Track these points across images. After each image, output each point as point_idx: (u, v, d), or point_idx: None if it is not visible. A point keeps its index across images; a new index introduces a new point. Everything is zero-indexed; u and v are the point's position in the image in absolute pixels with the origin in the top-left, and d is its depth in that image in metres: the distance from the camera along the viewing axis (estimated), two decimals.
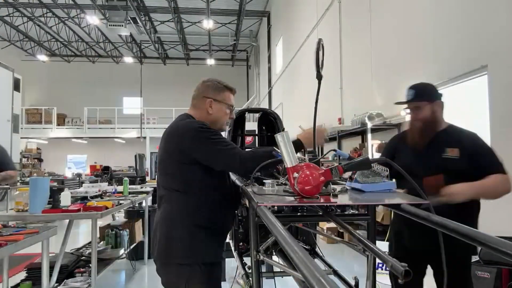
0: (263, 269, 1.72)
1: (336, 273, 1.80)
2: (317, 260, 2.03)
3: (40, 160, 20.54)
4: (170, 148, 1.79)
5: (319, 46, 1.38)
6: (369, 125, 5.43)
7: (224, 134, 2.78)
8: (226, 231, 1.92)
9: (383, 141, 4.78)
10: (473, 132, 2.02)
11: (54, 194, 3.28)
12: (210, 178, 1.76)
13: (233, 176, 1.98)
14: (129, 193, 4.63)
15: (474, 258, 2.98)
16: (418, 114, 2.00)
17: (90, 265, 3.34)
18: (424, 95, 1.99)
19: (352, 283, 1.66)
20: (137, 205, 5.39)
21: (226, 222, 1.88)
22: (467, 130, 2.05)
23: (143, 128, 18.50)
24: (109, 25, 13.74)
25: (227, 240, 2.08)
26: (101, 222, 4.76)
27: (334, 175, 1.29)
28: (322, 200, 1.25)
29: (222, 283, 4.77)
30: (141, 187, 5.43)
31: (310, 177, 1.23)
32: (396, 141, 2.27)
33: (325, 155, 1.77)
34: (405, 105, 2.05)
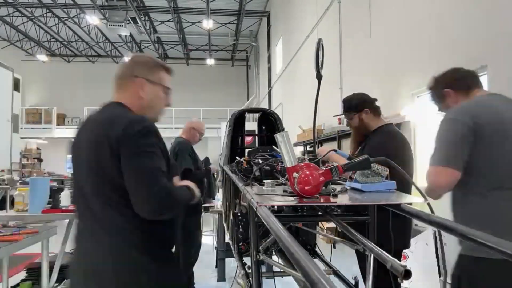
0: (263, 269, 1.72)
1: (336, 273, 1.80)
2: (317, 260, 2.03)
3: (40, 160, 20.51)
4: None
5: (319, 46, 1.38)
6: None
7: (224, 134, 2.75)
8: None
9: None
10: (390, 135, 2.33)
11: (54, 194, 3.29)
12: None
13: (233, 176, 1.97)
14: None
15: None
16: (350, 123, 2.45)
17: None
18: (351, 107, 2.41)
19: (352, 283, 1.66)
20: None
21: None
22: (389, 131, 2.35)
23: None
24: (109, 25, 13.73)
25: (227, 240, 2.08)
26: None
27: (334, 175, 1.29)
28: (322, 200, 1.25)
29: (222, 283, 4.75)
30: None
31: (310, 177, 1.23)
32: None
33: (325, 155, 1.77)
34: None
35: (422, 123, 4.83)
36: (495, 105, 1.63)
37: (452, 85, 1.80)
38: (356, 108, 2.38)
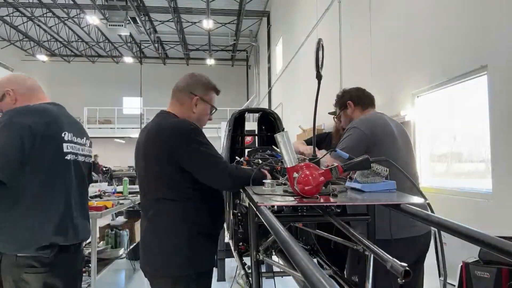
0: (263, 269, 1.72)
1: (336, 273, 1.80)
2: (317, 260, 2.03)
3: None
4: (156, 152, 1.65)
5: (319, 46, 1.38)
6: None
7: (224, 134, 2.75)
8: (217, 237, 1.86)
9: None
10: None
11: None
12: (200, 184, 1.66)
13: None
14: (129, 193, 4.63)
15: (474, 259, 2.98)
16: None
17: (90, 265, 3.34)
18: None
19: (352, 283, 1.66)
20: (137, 205, 5.39)
21: (219, 228, 1.84)
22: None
23: None
24: (109, 25, 13.73)
25: (227, 240, 2.09)
26: (101, 222, 4.76)
27: (334, 175, 1.29)
28: (322, 200, 1.25)
29: (222, 283, 4.73)
30: None
31: (310, 177, 1.23)
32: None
33: (325, 155, 1.77)
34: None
35: (422, 123, 4.83)
36: (384, 119, 2.18)
37: (354, 99, 2.35)
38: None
